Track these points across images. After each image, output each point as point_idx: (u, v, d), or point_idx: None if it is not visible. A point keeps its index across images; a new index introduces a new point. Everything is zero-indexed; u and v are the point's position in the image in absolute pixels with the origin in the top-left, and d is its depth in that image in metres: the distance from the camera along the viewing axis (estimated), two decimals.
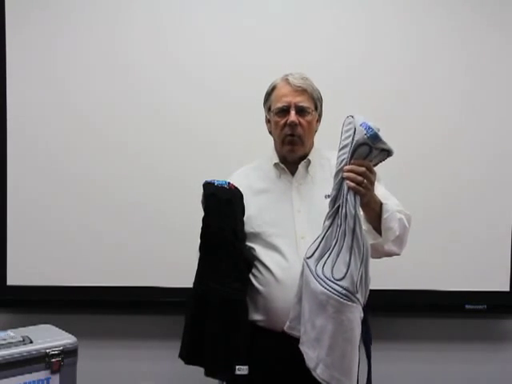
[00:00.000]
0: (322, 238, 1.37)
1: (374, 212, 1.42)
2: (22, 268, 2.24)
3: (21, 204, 2.25)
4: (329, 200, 1.39)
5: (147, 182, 2.25)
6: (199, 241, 1.51)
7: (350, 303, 1.29)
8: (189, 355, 1.48)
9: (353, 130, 1.30)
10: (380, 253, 1.46)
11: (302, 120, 1.55)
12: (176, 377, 2.28)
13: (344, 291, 1.28)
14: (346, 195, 1.31)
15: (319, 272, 1.32)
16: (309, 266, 1.36)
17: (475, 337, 2.37)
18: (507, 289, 2.29)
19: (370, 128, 1.27)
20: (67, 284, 2.23)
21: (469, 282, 2.27)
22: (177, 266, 2.20)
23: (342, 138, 1.34)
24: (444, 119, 2.29)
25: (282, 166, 1.62)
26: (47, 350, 1.65)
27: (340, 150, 1.34)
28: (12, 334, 1.70)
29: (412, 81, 2.28)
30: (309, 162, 1.62)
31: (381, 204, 1.43)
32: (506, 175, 2.31)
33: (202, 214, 1.52)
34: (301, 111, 1.55)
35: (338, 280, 1.29)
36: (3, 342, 1.63)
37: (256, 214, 1.56)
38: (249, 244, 1.56)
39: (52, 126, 2.26)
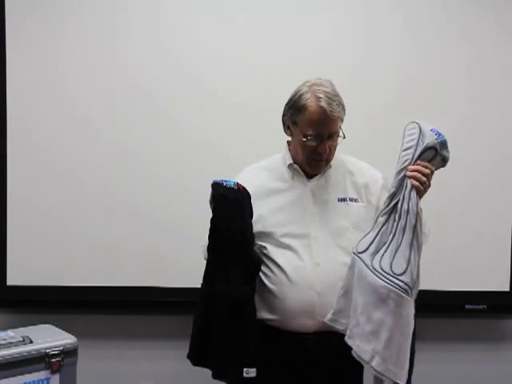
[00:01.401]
0: (376, 233, 1.39)
1: None
2: (22, 268, 2.24)
3: (21, 204, 2.25)
4: (341, 200, 1.49)
5: (147, 182, 2.25)
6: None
7: (409, 298, 1.31)
8: (197, 357, 1.47)
9: (417, 134, 1.38)
10: None
11: (330, 145, 1.52)
12: (176, 377, 2.28)
13: (405, 286, 1.30)
14: (409, 193, 1.36)
15: (376, 266, 1.34)
16: (363, 260, 1.37)
17: (475, 337, 2.37)
18: (507, 289, 2.29)
19: (440, 134, 1.36)
20: (67, 284, 2.23)
21: (469, 282, 2.28)
22: (177, 266, 2.21)
23: (406, 140, 1.41)
24: (444, 120, 2.26)
25: (296, 166, 1.60)
26: (47, 350, 1.65)
27: (404, 150, 1.40)
28: (12, 334, 1.70)
29: (413, 81, 2.28)
30: (329, 166, 1.59)
31: (421, 208, 1.43)
32: (506, 175, 2.31)
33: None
34: (331, 137, 1.52)
35: (398, 275, 1.32)
36: (3, 342, 1.63)
37: (268, 214, 1.55)
38: (260, 243, 1.54)
39: (52, 126, 2.26)
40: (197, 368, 1.48)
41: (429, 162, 1.37)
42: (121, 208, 2.25)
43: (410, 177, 1.36)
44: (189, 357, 1.48)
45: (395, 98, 2.27)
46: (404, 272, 1.32)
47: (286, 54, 2.20)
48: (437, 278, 2.25)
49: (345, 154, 1.66)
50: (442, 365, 2.35)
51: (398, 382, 1.34)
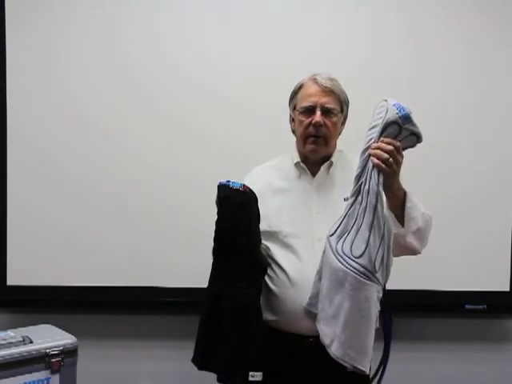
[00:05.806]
0: (344, 215, 1.36)
1: (398, 199, 1.40)
2: (22, 268, 2.24)
3: (21, 204, 2.25)
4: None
5: (147, 182, 2.25)
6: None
7: (367, 281, 1.28)
8: (202, 361, 1.45)
9: (384, 113, 1.31)
10: (401, 246, 1.44)
11: (326, 121, 1.53)
12: (176, 377, 2.28)
13: (362, 269, 1.28)
14: (371, 172, 1.30)
15: (339, 249, 1.33)
16: (330, 243, 1.36)
17: (475, 337, 2.37)
18: (507, 289, 2.29)
19: (402, 108, 1.29)
20: (67, 284, 2.23)
21: (469, 282, 2.27)
22: (177, 266, 2.20)
23: (373, 119, 1.34)
24: (445, 121, 2.28)
25: (303, 165, 1.60)
26: (47, 350, 1.65)
27: (369, 129, 1.34)
28: (12, 334, 1.70)
29: (413, 81, 2.27)
30: (331, 163, 1.60)
31: (405, 192, 1.41)
32: (506, 175, 2.31)
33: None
34: (326, 112, 1.53)
35: (356, 257, 1.29)
36: (3, 342, 1.63)
37: (274, 213, 1.55)
38: (264, 243, 1.53)
39: (52, 126, 2.26)
40: (196, 368, 1.47)
41: (394, 138, 1.30)
42: (121, 208, 2.25)
43: (372, 155, 1.31)
44: (194, 361, 1.46)
45: (395, 99, 2.26)
46: (362, 254, 1.29)
47: (286, 55, 2.20)
48: (437, 277, 2.25)
49: (355, 155, 1.66)
50: (442, 365, 2.35)
51: (359, 367, 1.31)
